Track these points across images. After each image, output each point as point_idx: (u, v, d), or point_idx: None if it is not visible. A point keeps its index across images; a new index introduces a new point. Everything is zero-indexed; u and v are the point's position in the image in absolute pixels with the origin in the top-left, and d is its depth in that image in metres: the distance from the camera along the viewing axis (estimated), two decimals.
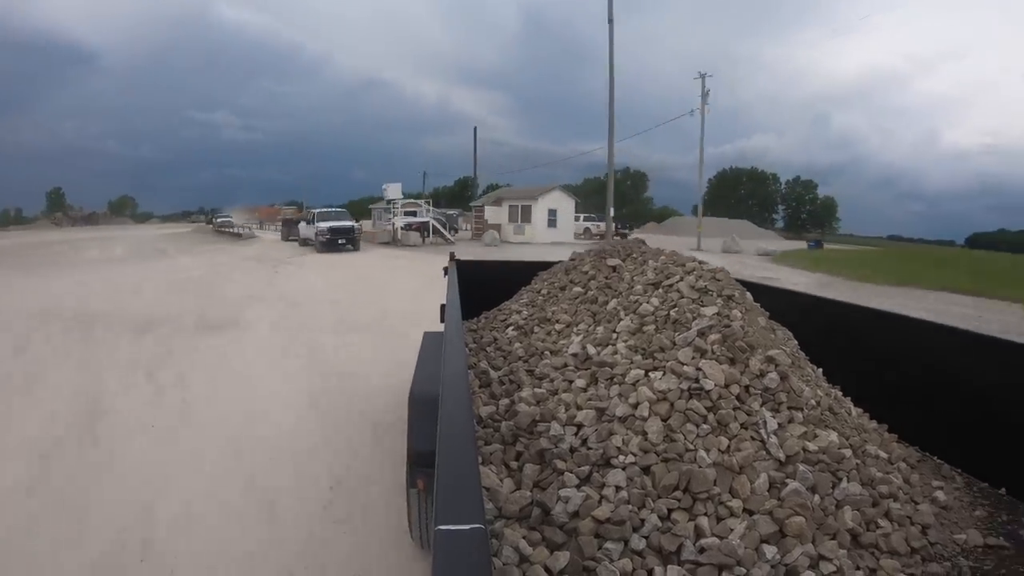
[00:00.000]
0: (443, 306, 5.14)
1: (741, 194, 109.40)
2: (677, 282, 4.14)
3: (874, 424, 3.91)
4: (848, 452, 3.08)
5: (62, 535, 4.61)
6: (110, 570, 4.21)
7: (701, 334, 3.52)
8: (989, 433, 3.55)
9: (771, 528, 2.59)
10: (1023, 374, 3.45)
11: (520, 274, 6.33)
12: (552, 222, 47.09)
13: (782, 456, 2.92)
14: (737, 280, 4.41)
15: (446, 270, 6.77)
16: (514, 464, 2.97)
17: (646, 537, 2.57)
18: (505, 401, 3.45)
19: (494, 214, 49.89)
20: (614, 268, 5.01)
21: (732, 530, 2.60)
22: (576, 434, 3.14)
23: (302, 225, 39.45)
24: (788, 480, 2.81)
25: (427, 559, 4.06)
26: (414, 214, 45.27)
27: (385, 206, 46.88)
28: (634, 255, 5.12)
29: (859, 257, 37.03)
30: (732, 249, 42.24)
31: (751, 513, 2.69)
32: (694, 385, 3.20)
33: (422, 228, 42.36)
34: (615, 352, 3.70)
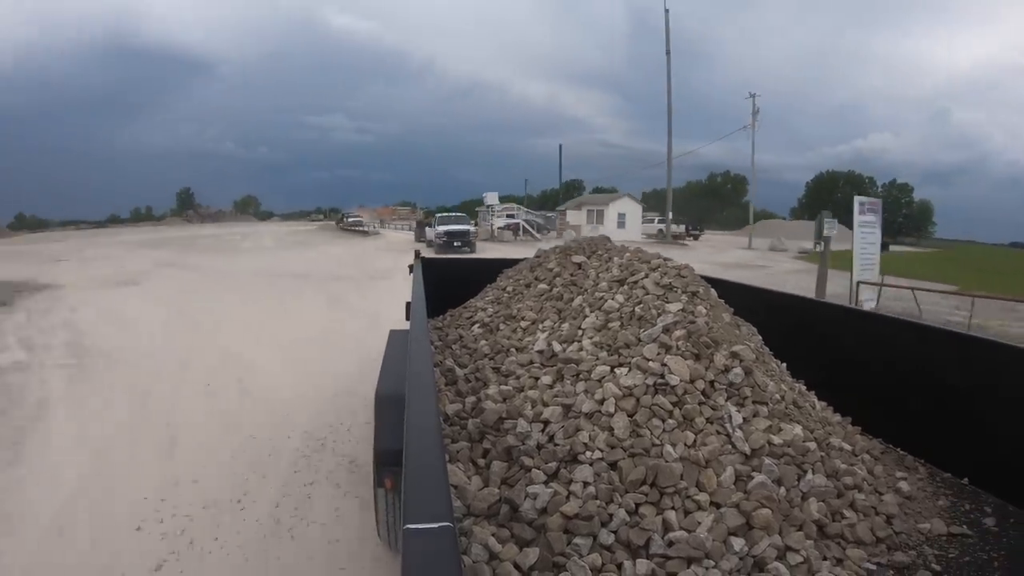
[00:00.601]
0: (408, 304, 5.09)
1: (837, 198, 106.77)
2: (642, 279, 4.15)
3: (838, 417, 3.95)
4: (813, 445, 3.11)
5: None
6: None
7: (666, 330, 3.52)
8: (951, 424, 3.60)
9: (738, 521, 2.60)
10: (983, 367, 3.51)
11: (486, 272, 6.31)
12: (621, 223, 53.48)
13: (748, 450, 2.94)
14: (702, 277, 4.43)
15: (411, 268, 6.72)
16: (481, 462, 2.94)
17: (615, 532, 2.56)
18: (471, 399, 3.42)
19: (575, 217, 57.37)
20: (579, 265, 5.01)
21: (700, 523, 2.60)
22: (543, 431, 3.12)
23: (427, 228, 41.56)
24: (754, 473, 2.82)
25: (396, 559, 4.01)
26: (513, 216, 52.30)
27: (486, 209, 54.85)
28: (599, 252, 5.12)
29: (904, 259, 38.38)
30: (777, 248, 45.70)
31: (718, 506, 2.69)
32: (659, 381, 3.20)
33: (514, 228, 48.47)
34: (581, 349, 3.69)
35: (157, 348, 10.46)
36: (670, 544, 2.50)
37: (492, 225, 49.58)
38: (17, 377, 8.67)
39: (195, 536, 4.50)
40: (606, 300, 4.05)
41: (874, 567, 2.66)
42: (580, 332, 3.90)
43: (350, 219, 67.70)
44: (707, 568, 2.44)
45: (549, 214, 60.94)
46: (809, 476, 2.92)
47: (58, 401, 7.62)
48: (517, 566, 2.36)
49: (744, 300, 4.68)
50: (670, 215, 48.59)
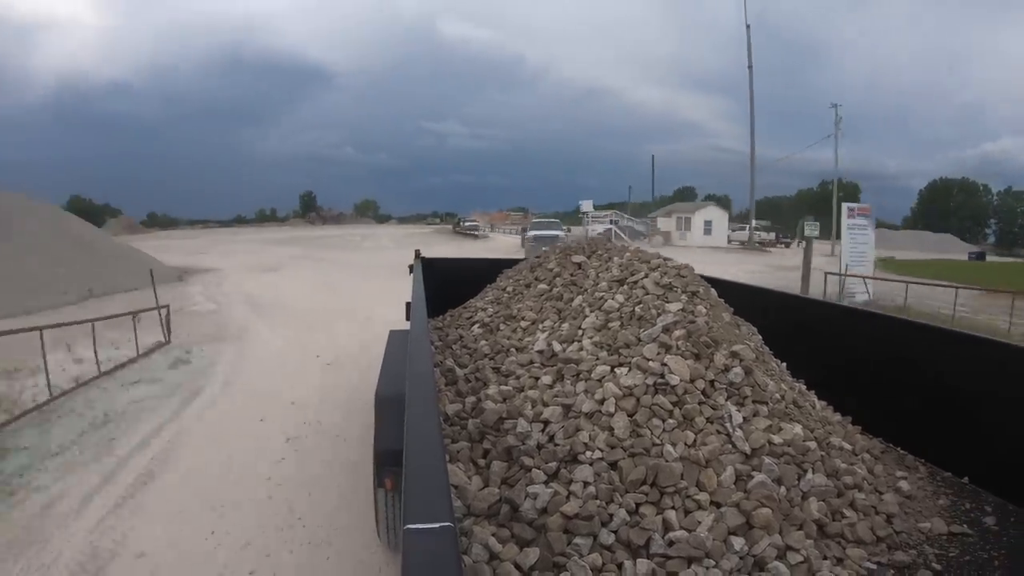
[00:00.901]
0: (409, 304, 5.09)
1: (951, 207, 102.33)
2: (642, 279, 4.14)
3: (838, 416, 3.95)
4: (813, 444, 3.11)
5: None
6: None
7: (666, 330, 3.52)
8: (951, 424, 3.60)
9: (738, 520, 2.60)
10: (984, 366, 3.51)
11: (486, 272, 6.30)
12: (707, 230, 55.09)
13: (748, 449, 2.94)
14: (702, 276, 4.43)
15: (411, 268, 6.71)
16: (482, 462, 2.94)
17: (615, 532, 2.56)
18: (471, 399, 3.42)
19: (665, 223, 59.48)
20: (579, 265, 5.01)
21: (700, 523, 2.60)
22: (543, 431, 3.12)
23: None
24: (754, 473, 2.82)
25: (396, 559, 4.01)
26: (615, 222, 55.23)
27: (582, 215, 57.20)
28: (599, 252, 5.12)
29: (985, 268, 38.35)
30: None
31: (718, 506, 2.69)
32: (660, 380, 3.20)
33: (607, 233, 49.39)
34: (581, 349, 3.69)
35: (306, 303, 16.52)
36: (670, 544, 2.50)
37: (587, 230, 50.67)
38: (217, 317, 14.71)
39: (343, 361, 10.05)
40: (606, 300, 4.05)
41: (874, 566, 2.66)
42: (580, 332, 3.90)
43: (466, 223, 69.65)
44: (707, 568, 2.44)
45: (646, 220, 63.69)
46: (809, 475, 2.92)
47: (251, 325, 13.52)
48: (517, 566, 2.36)
49: (744, 300, 4.68)
50: (752, 223, 51.20)
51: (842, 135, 54.34)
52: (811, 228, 17.03)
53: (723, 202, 67.71)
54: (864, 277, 16.92)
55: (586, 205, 56.47)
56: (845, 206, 17.52)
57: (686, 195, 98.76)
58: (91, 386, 8.36)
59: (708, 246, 48.32)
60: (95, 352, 9.00)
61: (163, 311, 11.79)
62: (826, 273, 16.27)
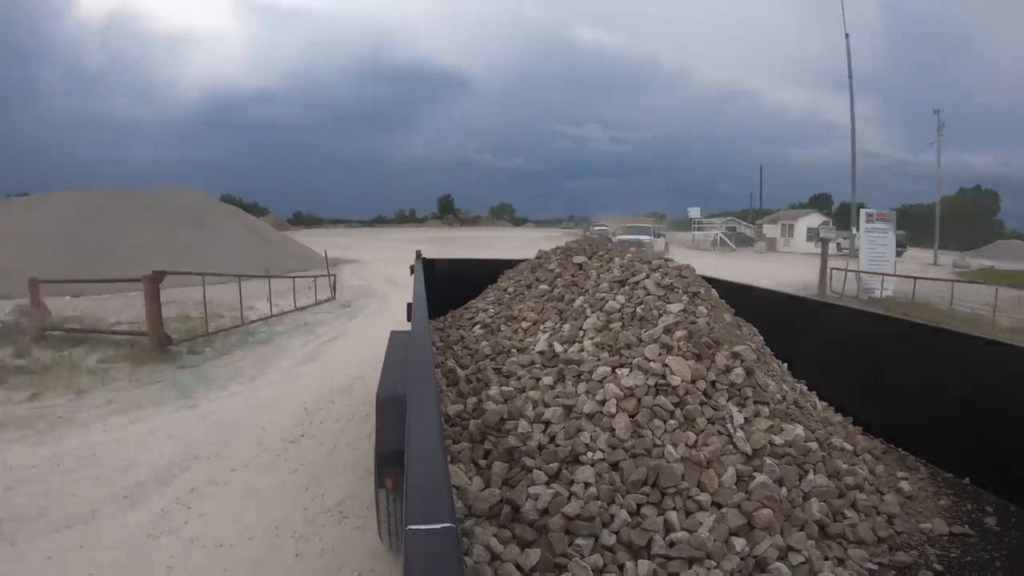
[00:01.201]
0: (410, 305, 5.09)
1: None
2: (643, 279, 4.15)
3: (839, 417, 3.96)
4: (814, 445, 3.11)
5: None
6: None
7: (667, 331, 3.52)
8: (952, 424, 3.60)
9: (740, 521, 2.60)
10: (985, 367, 3.50)
11: (487, 272, 6.30)
12: (811, 237, 53.97)
13: (749, 450, 2.94)
14: (703, 277, 4.43)
15: (412, 268, 6.71)
16: (483, 462, 2.94)
17: (616, 532, 2.56)
18: (473, 399, 3.42)
19: (770, 230, 61.78)
20: (580, 266, 5.01)
21: (701, 524, 2.60)
22: (544, 431, 3.12)
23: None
24: (755, 473, 2.82)
25: (397, 560, 4.01)
26: (733, 228, 57.89)
27: (692, 221, 60.41)
28: (600, 252, 5.12)
29: None
30: (960, 265, 44.80)
31: (719, 506, 2.69)
32: (661, 381, 3.20)
33: (714, 239, 53.61)
34: (582, 349, 3.69)
35: None
36: (672, 544, 2.51)
37: (694, 236, 55.28)
38: (364, 287, 20.81)
39: None
40: (607, 301, 4.05)
41: (876, 567, 2.66)
42: (581, 333, 3.90)
43: (596, 228, 70.54)
44: (709, 568, 2.44)
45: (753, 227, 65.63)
46: (810, 476, 2.92)
47: (389, 293, 18.84)
48: (519, 567, 2.36)
49: (745, 300, 4.68)
50: (854, 230, 50.09)
51: (944, 142, 53.03)
52: (826, 231, 19.35)
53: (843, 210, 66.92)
54: (875, 273, 18.22)
55: (693, 212, 60.74)
56: (864, 212, 19.45)
57: (821, 202, 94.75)
58: (292, 314, 14.80)
59: (809, 252, 47.66)
60: (294, 298, 15.87)
61: (332, 277, 18.90)
62: (833, 269, 17.72)
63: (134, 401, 7.73)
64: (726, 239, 53.64)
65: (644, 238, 36.25)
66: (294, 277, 17.52)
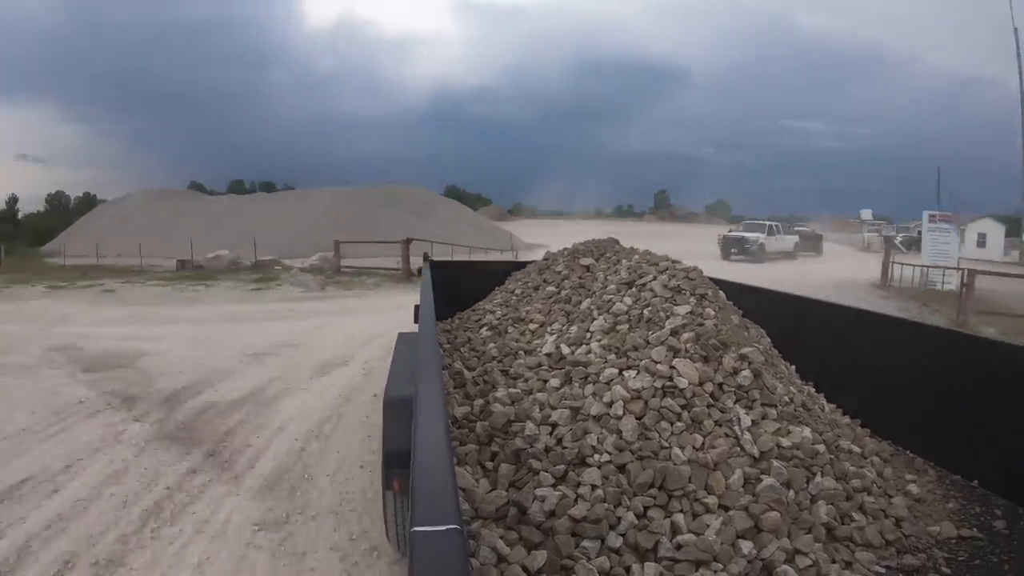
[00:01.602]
0: (417, 307, 5.10)
1: None
2: (650, 281, 4.14)
3: (847, 419, 3.94)
4: (822, 447, 3.10)
5: None
6: None
7: (674, 333, 3.52)
8: (961, 427, 3.59)
9: (747, 524, 2.60)
10: (994, 369, 3.49)
11: (494, 275, 6.31)
12: (981, 243, 53.83)
13: (756, 452, 2.93)
14: (711, 279, 4.42)
15: (419, 271, 6.72)
16: (489, 464, 2.94)
17: (623, 535, 2.56)
18: (480, 401, 3.43)
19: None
20: (587, 268, 5.01)
21: (708, 526, 2.60)
22: (551, 433, 3.13)
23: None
24: (763, 476, 2.82)
25: (403, 561, 4.02)
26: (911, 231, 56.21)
27: (862, 223, 59.04)
28: (607, 254, 5.12)
29: None
30: None
31: (726, 509, 2.69)
32: (668, 383, 3.20)
33: (888, 241, 50.72)
34: (589, 351, 3.69)
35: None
36: (678, 547, 2.50)
37: (865, 239, 52.73)
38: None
39: None
40: (614, 303, 4.05)
41: (883, 570, 2.65)
42: (588, 335, 3.90)
43: (732, 232, 70.04)
44: (715, 571, 2.44)
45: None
46: (818, 479, 2.92)
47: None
48: (525, 569, 2.36)
49: (753, 302, 4.67)
50: None
51: None
52: (887, 229, 21.57)
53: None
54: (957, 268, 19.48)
55: (865, 214, 59.97)
56: (926, 213, 22.20)
57: None
58: None
59: (980, 259, 44.42)
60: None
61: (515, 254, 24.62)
62: (895, 262, 20.07)
63: (387, 293, 18.82)
64: (897, 244, 49.39)
65: (751, 235, 35.65)
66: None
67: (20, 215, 75.46)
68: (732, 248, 35.15)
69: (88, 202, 76.03)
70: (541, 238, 40.36)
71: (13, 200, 77.08)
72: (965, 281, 15.28)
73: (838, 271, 26.58)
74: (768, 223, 37.74)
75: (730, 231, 39.54)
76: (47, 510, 4.91)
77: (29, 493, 5.21)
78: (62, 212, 74.14)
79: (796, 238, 39.09)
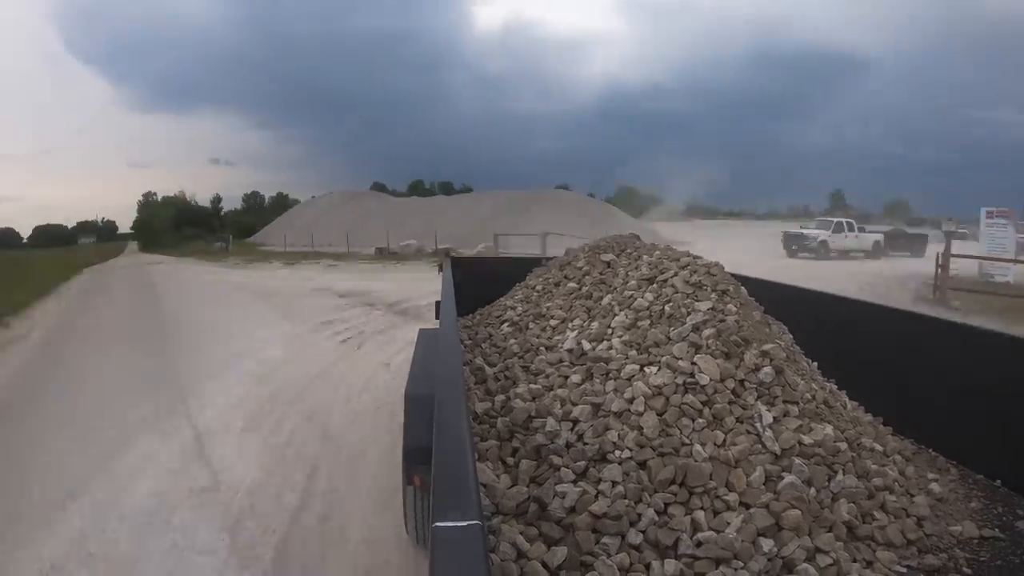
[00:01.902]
0: (438, 303, 5.12)
1: None
2: (671, 277, 4.13)
3: (869, 417, 3.91)
4: (844, 445, 3.09)
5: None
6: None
7: (696, 329, 3.52)
8: (985, 426, 3.56)
9: (767, 521, 2.60)
10: (1019, 367, 3.45)
11: (514, 270, 6.32)
12: None
13: (778, 450, 2.93)
14: (732, 274, 4.41)
15: (440, 267, 6.75)
16: (510, 460, 2.96)
17: (643, 531, 2.57)
18: (501, 397, 3.44)
19: None
20: (608, 263, 5.01)
21: (728, 524, 2.60)
22: (572, 429, 3.14)
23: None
24: (784, 473, 2.82)
25: (425, 556, 4.05)
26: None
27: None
28: (628, 250, 5.12)
29: None
30: None
31: (747, 507, 2.69)
32: (689, 380, 3.20)
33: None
34: (610, 347, 3.70)
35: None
36: (699, 544, 2.51)
37: (986, 238, 51.54)
38: None
39: None
40: (635, 298, 4.05)
41: (904, 570, 2.64)
42: (609, 331, 3.90)
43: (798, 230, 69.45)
44: (736, 569, 2.44)
45: None
46: (839, 477, 2.91)
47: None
48: (545, 565, 2.38)
49: (774, 298, 4.65)
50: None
51: None
52: (948, 225, 20.88)
53: None
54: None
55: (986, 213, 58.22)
56: (983, 209, 23.27)
57: None
58: None
59: None
60: None
61: None
62: (954, 255, 18.98)
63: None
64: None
65: (811, 232, 35.44)
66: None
67: (223, 212, 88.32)
68: (792, 245, 35.19)
69: (281, 201, 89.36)
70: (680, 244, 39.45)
71: (217, 199, 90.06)
72: (940, 263, 18.21)
73: (902, 269, 26.30)
74: (838, 220, 36.85)
75: (801, 228, 38.85)
76: (352, 324, 13.71)
77: (339, 323, 13.92)
78: (257, 209, 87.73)
79: (877, 237, 37.48)
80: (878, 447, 3.38)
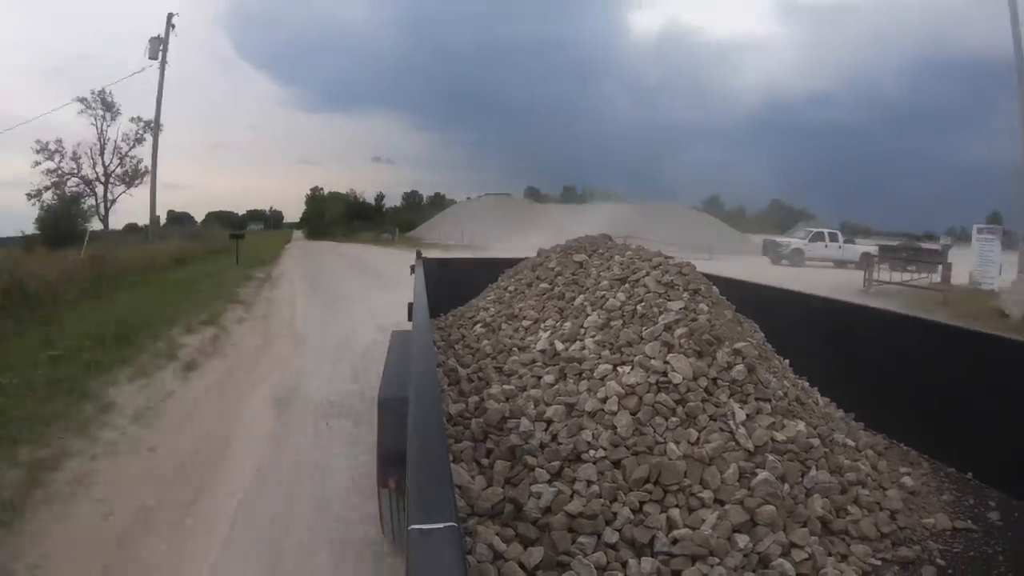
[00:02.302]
0: (411, 304, 5.09)
1: None
2: (643, 277, 4.13)
3: (841, 413, 3.95)
4: (816, 441, 3.11)
5: None
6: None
7: (668, 328, 3.52)
8: (955, 419, 3.60)
9: (742, 517, 2.60)
10: (987, 361, 3.50)
11: (487, 271, 6.30)
12: None
13: (751, 446, 2.93)
14: (703, 274, 4.43)
15: (412, 268, 6.71)
16: (485, 461, 2.93)
17: (619, 530, 2.56)
18: (474, 398, 3.42)
19: None
20: (580, 264, 5.00)
21: (704, 521, 2.60)
22: (546, 430, 3.12)
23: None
24: (758, 470, 2.82)
25: (401, 558, 4.02)
26: None
27: None
28: (600, 251, 5.12)
29: None
30: None
31: (722, 503, 2.69)
32: (662, 379, 3.20)
33: None
34: (583, 347, 3.69)
35: None
36: (674, 542, 2.51)
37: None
38: None
39: None
40: (608, 298, 4.05)
41: (879, 562, 2.66)
42: (582, 331, 3.89)
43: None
44: (712, 565, 2.44)
45: None
46: (813, 472, 2.92)
47: None
48: (522, 565, 2.36)
49: (746, 297, 4.68)
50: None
51: None
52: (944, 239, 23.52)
53: None
54: None
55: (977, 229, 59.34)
56: (975, 227, 25.25)
57: None
58: None
59: None
60: None
61: None
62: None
63: None
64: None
65: (784, 240, 37.20)
66: None
67: (384, 208, 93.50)
68: (771, 252, 36.58)
69: (438, 201, 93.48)
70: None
71: (380, 196, 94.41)
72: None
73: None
74: (820, 231, 37.36)
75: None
76: None
77: None
78: (416, 207, 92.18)
79: (865, 249, 37.54)
80: (850, 442, 3.41)
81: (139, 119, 46.03)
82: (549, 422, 3.17)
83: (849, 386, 4.15)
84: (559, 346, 3.82)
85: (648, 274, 4.14)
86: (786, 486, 2.81)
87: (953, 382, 3.62)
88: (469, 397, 3.47)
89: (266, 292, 19.65)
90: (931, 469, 3.61)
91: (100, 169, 46.85)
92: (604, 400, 3.16)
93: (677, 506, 2.68)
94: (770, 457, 2.88)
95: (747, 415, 3.09)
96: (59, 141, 44.99)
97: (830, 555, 2.61)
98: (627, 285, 4.15)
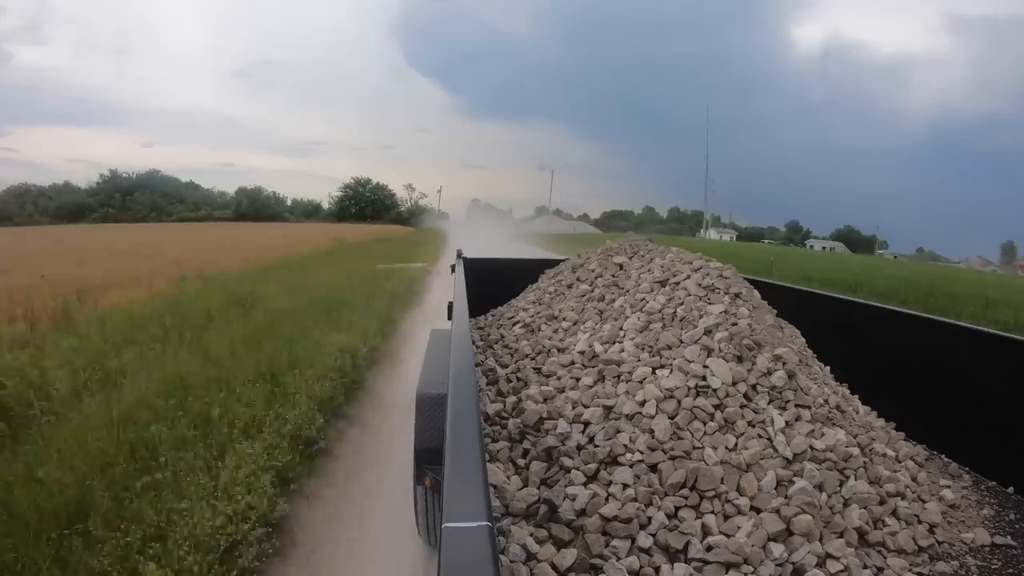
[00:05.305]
0: (451, 304, 5.13)
1: None
2: (684, 280, 4.13)
3: (882, 422, 3.90)
4: (855, 450, 3.08)
5: None
6: None
7: (708, 332, 3.51)
8: (997, 431, 3.54)
9: (778, 526, 2.59)
10: None
11: (527, 272, 6.32)
12: None
13: (789, 454, 2.92)
14: (744, 278, 4.40)
15: (453, 268, 6.74)
16: (521, 462, 2.97)
17: (653, 535, 2.57)
18: (512, 399, 3.45)
19: None
20: (621, 266, 5.00)
21: (739, 528, 2.60)
22: (583, 432, 3.15)
23: None
24: (795, 478, 2.81)
25: (434, 556, 4.07)
26: None
27: None
28: (641, 253, 5.11)
29: None
30: None
31: (758, 511, 2.69)
32: (701, 383, 3.20)
33: None
34: (622, 350, 3.70)
35: None
36: (709, 549, 2.51)
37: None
38: None
39: None
40: (648, 301, 4.05)
41: None
42: (621, 333, 3.90)
43: None
44: (745, 574, 2.44)
45: None
46: (851, 482, 2.90)
47: None
48: (555, 567, 2.38)
49: (787, 302, 4.63)
50: None
51: None
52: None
53: None
54: None
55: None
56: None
57: None
58: None
59: None
60: None
61: None
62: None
63: None
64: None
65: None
66: None
67: None
68: None
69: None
70: None
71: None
72: None
73: None
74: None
75: None
76: None
77: None
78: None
79: None
80: (890, 452, 3.37)
81: None
82: (586, 424, 3.19)
83: (890, 395, 4.10)
84: (598, 348, 3.83)
85: (689, 277, 4.14)
86: (824, 495, 2.79)
87: (998, 393, 3.56)
88: (507, 397, 3.50)
89: None
90: (972, 482, 3.55)
91: None
92: (642, 403, 3.17)
93: (712, 512, 2.68)
94: (808, 465, 2.86)
95: (786, 422, 3.08)
96: None
97: (866, 567, 2.59)
98: (667, 288, 4.15)
